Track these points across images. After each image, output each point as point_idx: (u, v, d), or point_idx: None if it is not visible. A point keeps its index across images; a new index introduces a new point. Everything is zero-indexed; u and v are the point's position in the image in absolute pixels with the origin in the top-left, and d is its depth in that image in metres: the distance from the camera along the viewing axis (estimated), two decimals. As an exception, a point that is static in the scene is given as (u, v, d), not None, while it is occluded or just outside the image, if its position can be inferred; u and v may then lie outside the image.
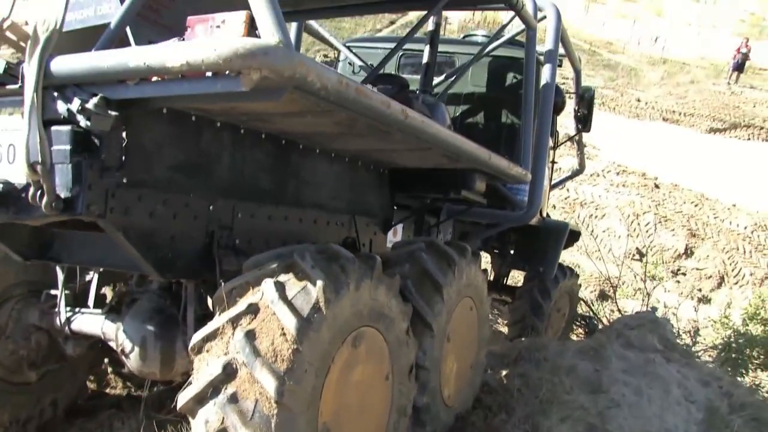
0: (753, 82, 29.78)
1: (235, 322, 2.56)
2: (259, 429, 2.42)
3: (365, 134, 3.19)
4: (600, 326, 8.52)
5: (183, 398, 2.55)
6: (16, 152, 2.55)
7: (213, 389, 2.48)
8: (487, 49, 5.83)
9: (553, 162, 7.60)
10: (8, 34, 2.56)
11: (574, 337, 8.22)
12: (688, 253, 15.69)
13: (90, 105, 2.30)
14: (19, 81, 2.41)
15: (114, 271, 3.55)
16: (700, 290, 14.04)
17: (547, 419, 4.14)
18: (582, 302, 9.85)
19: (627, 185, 17.94)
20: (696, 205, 17.38)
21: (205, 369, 2.53)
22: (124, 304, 3.53)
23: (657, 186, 18.17)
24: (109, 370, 4.73)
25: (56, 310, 3.65)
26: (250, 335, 2.50)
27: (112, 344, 3.47)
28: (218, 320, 2.61)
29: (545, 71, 5.54)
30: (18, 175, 2.49)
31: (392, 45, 6.22)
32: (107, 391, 4.63)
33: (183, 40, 2.38)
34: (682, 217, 16.67)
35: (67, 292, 3.64)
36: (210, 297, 3.31)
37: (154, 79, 2.30)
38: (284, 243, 3.46)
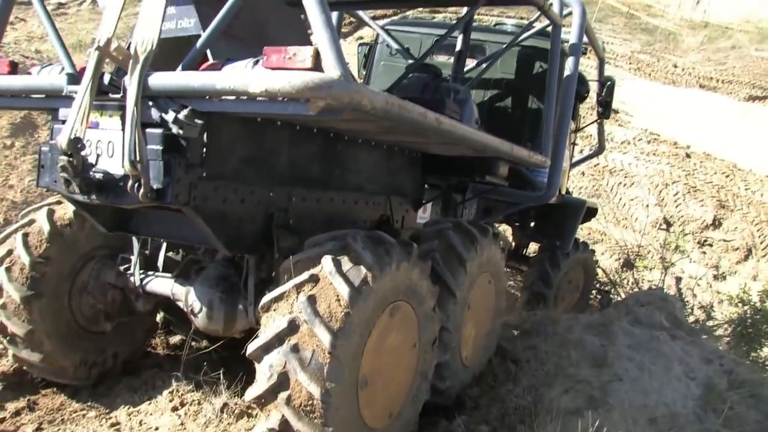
0: (801, 47, 28.92)
1: (299, 287, 3.12)
2: (314, 373, 2.98)
3: (404, 133, 3.75)
4: (617, 298, 8.80)
5: (252, 347, 3.12)
6: (114, 148, 3.12)
7: (278, 340, 3.05)
8: (518, 40, 6.13)
9: (574, 144, 7.90)
10: (112, 52, 2.98)
11: (593, 310, 8.49)
12: (716, 224, 15.68)
13: (181, 116, 2.83)
14: (120, 91, 2.94)
15: (180, 243, 4.16)
16: (716, 267, 14.04)
17: (551, 390, 4.44)
18: (603, 273, 10.11)
19: (658, 154, 17.87)
20: (727, 176, 17.28)
21: (272, 324, 3.10)
22: (193, 270, 4.10)
23: (688, 155, 18.08)
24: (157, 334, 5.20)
25: (130, 271, 4.23)
26: (311, 299, 3.06)
27: (181, 304, 4.01)
28: (285, 286, 3.17)
29: (569, 63, 5.88)
30: (116, 167, 3.07)
31: (429, 30, 6.58)
32: (150, 351, 5.04)
33: (257, 62, 2.84)
34: (712, 188, 16.62)
35: (139, 257, 4.21)
36: (265, 269, 3.89)
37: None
38: (329, 221, 4.04)
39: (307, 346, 3.01)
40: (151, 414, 4.11)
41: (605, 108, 7.85)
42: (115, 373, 4.62)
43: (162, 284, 4.13)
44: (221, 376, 4.16)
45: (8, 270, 4.06)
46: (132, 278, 4.22)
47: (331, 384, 3.01)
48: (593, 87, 7.65)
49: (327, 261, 3.16)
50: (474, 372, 4.86)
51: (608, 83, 7.70)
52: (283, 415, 3.05)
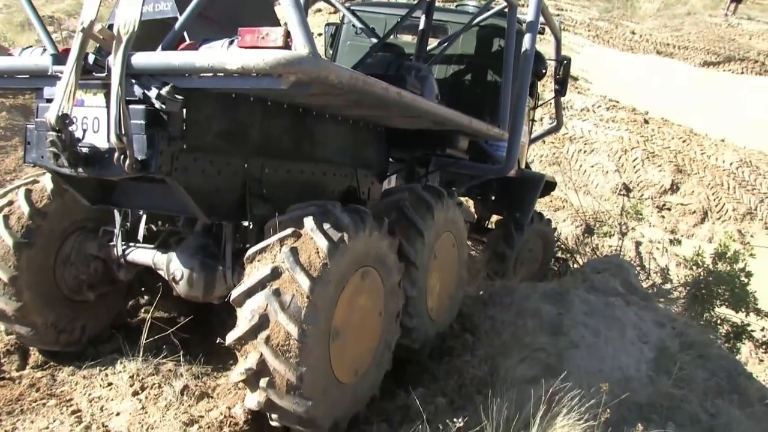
0: (751, 12, 29.16)
1: (282, 241, 3.44)
2: (292, 315, 3.27)
3: (368, 107, 4.01)
4: (576, 266, 9.01)
5: (235, 293, 3.40)
6: (99, 124, 3.35)
7: (261, 285, 3.34)
8: (476, 20, 6.38)
9: (533, 120, 8.22)
10: (96, 33, 3.14)
11: (551, 278, 8.65)
12: (674, 188, 15.99)
13: (163, 92, 3.06)
14: (104, 70, 3.16)
15: (161, 213, 4.38)
16: (673, 231, 14.36)
17: (508, 360, 4.55)
18: (563, 241, 10.31)
19: (616, 120, 18.06)
20: (684, 141, 17.55)
21: (256, 272, 3.38)
22: (173, 241, 4.32)
23: (646, 121, 18.30)
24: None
25: (112, 243, 4.43)
26: (293, 250, 3.37)
27: (162, 273, 4.21)
28: (269, 240, 3.48)
29: (526, 40, 6.16)
30: (101, 141, 3.33)
31: (393, 10, 6.85)
32: (109, 336, 5.00)
33: (233, 41, 3.08)
34: (670, 153, 16.88)
35: (121, 229, 4.40)
36: (240, 239, 4.12)
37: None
38: (300, 192, 4.28)
39: (288, 291, 3.29)
40: (111, 399, 4.12)
41: (562, 86, 8.16)
42: (78, 349, 4.70)
43: (143, 254, 4.32)
44: (181, 358, 4.20)
45: (6, 217, 4.27)
46: (114, 249, 4.40)
47: (308, 326, 3.30)
48: (551, 66, 7.86)
49: (308, 220, 3.49)
50: (438, 329, 5.09)
51: (564, 62, 8.02)
52: (261, 354, 3.32)
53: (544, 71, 7.37)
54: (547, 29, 7.77)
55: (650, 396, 4.59)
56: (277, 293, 3.29)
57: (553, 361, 4.67)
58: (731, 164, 16.68)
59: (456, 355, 4.83)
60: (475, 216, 9.00)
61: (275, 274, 3.32)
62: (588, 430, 3.74)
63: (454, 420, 3.63)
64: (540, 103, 8.59)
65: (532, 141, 8.81)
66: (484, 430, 3.66)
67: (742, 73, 23.26)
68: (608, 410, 3.91)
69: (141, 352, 4.32)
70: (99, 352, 4.69)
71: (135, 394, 4.08)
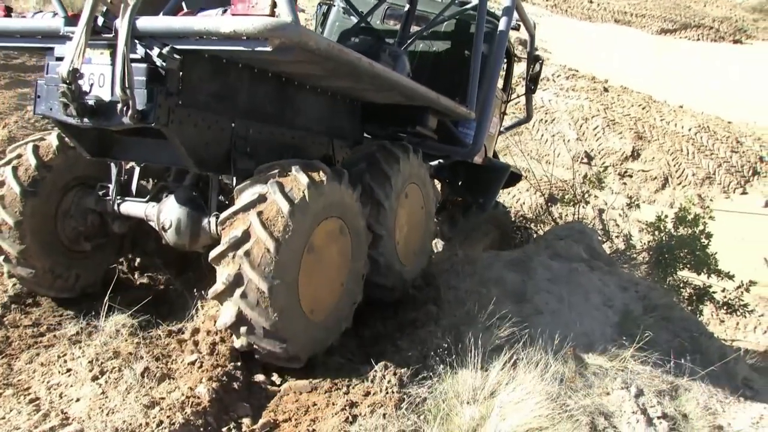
0: (706, -22, 29.60)
1: (270, 177, 3.99)
2: (271, 232, 3.78)
3: (344, 77, 4.48)
4: (540, 233, 9.08)
5: (224, 215, 3.96)
6: (105, 79, 3.81)
7: (250, 205, 3.88)
8: (454, 11, 6.70)
9: (504, 113, 8.46)
10: None
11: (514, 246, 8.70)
12: (635, 155, 16.18)
13: (164, 51, 3.56)
14: (112, 32, 3.65)
15: (152, 167, 5.06)
16: (630, 197, 14.54)
17: (472, 328, 4.52)
18: (524, 213, 10.40)
19: (576, 89, 18.19)
20: (643, 108, 17.77)
21: (245, 196, 3.95)
22: (163, 195, 4.76)
23: (606, 89, 18.47)
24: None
25: (108, 197, 4.94)
26: (279, 183, 3.94)
27: (152, 224, 4.70)
28: (259, 176, 4.03)
29: (500, 24, 6.50)
30: (106, 94, 3.80)
31: None
32: (65, 321, 4.89)
33: (226, 10, 3.54)
34: (630, 120, 17.08)
35: (116, 183, 4.90)
36: (225, 194, 4.59)
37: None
38: (280, 153, 4.63)
39: (271, 211, 3.84)
40: (71, 386, 4.02)
41: (534, 83, 8.49)
42: (73, 293, 5.14)
43: (136, 207, 4.82)
44: (141, 340, 4.11)
45: (15, 168, 4.75)
46: (109, 203, 4.89)
47: (284, 243, 3.81)
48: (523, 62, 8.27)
49: (295, 165, 4.09)
50: (408, 275, 5.36)
51: (539, 61, 8.30)
52: (239, 266, 3.82)
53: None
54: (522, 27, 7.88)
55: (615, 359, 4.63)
56: (260, 213, 3.81)
57: (518, 328, 4.66)
58: (690, 130, 16.93)
59: (420, 326, 4.82)
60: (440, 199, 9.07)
61: (261, 199, 3.87)
62: (554, 394, 3.75)
63: (419, 390, 3.60)
64: (512, 98, 8.83)
65: (501, 132, 9.05)
66: (450, 399, 3.65)
67: (698, 40, 23.60)
68: (574, 374, 3.93)
69: (100, 335, 4.22)
70: (56, 337, 4.57)
71: (95, 378, 4.00)
